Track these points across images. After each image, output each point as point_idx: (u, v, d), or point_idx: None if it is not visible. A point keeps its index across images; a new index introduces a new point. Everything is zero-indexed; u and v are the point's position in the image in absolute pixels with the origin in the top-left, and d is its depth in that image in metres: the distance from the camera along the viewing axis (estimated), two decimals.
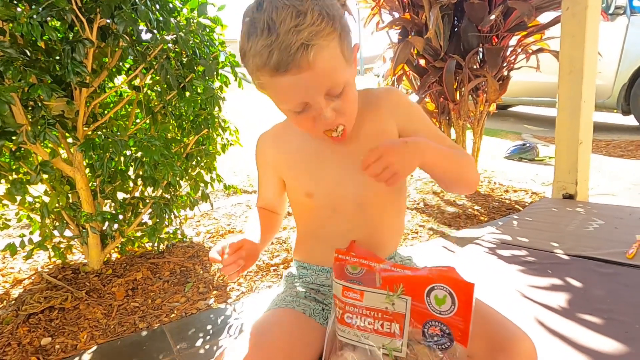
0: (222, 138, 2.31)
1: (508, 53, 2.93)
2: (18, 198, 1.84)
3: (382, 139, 0.88)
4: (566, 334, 1.33)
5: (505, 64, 2.95)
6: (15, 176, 1.79)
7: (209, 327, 1.53)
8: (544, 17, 2.82)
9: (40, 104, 1.56)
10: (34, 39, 1.58)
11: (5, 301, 1.75)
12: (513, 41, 2.95)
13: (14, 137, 1.53)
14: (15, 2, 1.52)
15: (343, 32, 0.73)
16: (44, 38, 1.60)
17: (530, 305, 1.52)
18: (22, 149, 1.72)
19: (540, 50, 2.97)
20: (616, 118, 5.82)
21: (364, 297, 0.70)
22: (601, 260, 1.81)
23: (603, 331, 1.33)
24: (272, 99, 0.78)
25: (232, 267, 0.73)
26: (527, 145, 4.74)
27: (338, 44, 0.72)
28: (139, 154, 1.82)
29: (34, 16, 1.39)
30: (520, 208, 2.79)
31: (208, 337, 1.46)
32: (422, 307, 0.67)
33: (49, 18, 1.50)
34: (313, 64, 0.68)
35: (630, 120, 5.40)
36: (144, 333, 1.51)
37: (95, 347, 1.44)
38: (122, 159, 1.88)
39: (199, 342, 1.43)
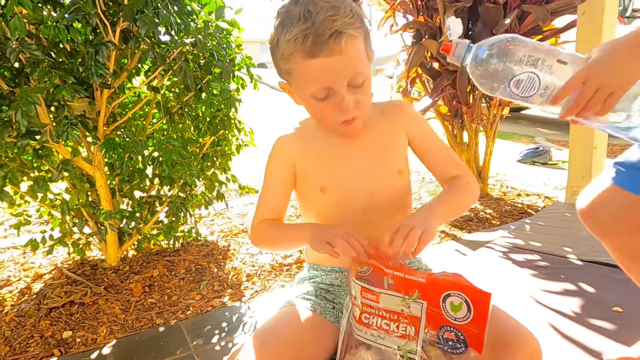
0: (237, 139, 2.35)
1: None
2: (40, 195, 1.89)
3: (391, 140, 0.96)
4: (579, 339, 1.34)
5: None
6: (37, 174, 1.84)
7: (224, 324, 1.56)
8: (560, 21, 2.81)
9: (63, 105, 1.61)
10: (57, 40, 1.63)
11: (27, 295, 1.80)
12: None
13: (37, 136, 1.58)
14: (41, 5, 1.57)
15: (367, 32, 0.81)
16: (68, 40, 1.65)
17: (542, 310, 1.52)
18: (45, 147, 1.77)
19: None
20: None
21: (380, 298, 0.72)
22: (614, 266, 1.80)
23: (616, 337, 1.33)
24: (299, 85, 0.83)
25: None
26: (540, 148, 4.71)
27: (363, 40, 0.80)
28: (156, 154, 1.86)
29: (61, 20, 1.43)
30: (533, 212, 2.78)
31: (223, 334, 1.49)
32: (437, 312, 0.68)
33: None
34: (344, 49, 0.75)
35: None
36: (161, 329, 1.55)
37: (114, 342, 1.48)
38: (140, 158, 1.92)
39: (214, 339, 1.47)
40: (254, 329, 1.52)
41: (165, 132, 2.07)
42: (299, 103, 0.89)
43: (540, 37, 2.83)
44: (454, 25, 0.82)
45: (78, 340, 1.50)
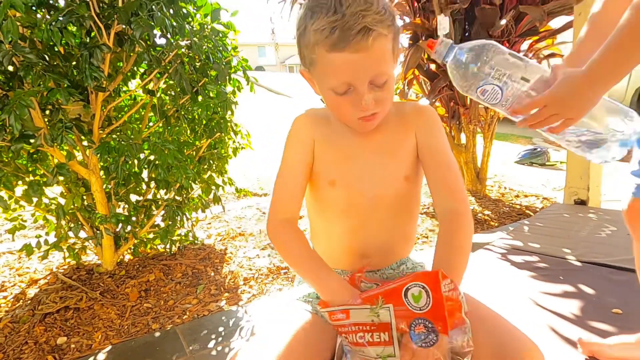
0: (234, 142, 2.34)
1: None
2: (34, 199, 1.88)
3: (399, 144, 0.92)
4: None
5: None
6: (32, 178, 1.83)
7: (220, 328, 1.54)
8: (556, 22, 2.81)
9: (58, 108, 1.60)
10: (51, 43, 1.62)
11: (21, 300, 1.78)
12: (524, 46, 2.94)
13: (32, 140, 1.57)
14: (34, 8, 1.56)
15: (396, 32, 0.79)
16: (62, 43, 1.64)
17: (541, 312, 1.51)
18: (40, 151, 1.76)
19: (552, 55, 2.96)
20: None
21: (350, 314, 0.74)
22: (614, 267, 1.79)
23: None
24: (319, 77, 0.81)
25: None
26: (538, 149, 4.71)
27: (391, 39, 0.77)
28: (152, 157, 1.84)
29: (54, 22, 1.42)
30: (531, 213, 2.78)
31: (220, 339, 1.48)
32: (404, 310, 0.69)
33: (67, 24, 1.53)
34: (371, 47, 0.73)
35: None
36: (157, 334, 1.53)
37: (109, 347, 1.46)
38: (136, 161, 1.91)
39: (211, 344, 1.45)
40: (251, 334, 1.50)
41: (160, 136, 2.05)
42: (318, 93, 0.87)
43: (536, 38, 2.84)
44: (442, 23, 0.85)
45: (73, 346, 1.48)
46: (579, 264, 1.88)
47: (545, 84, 0.79)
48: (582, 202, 2.75)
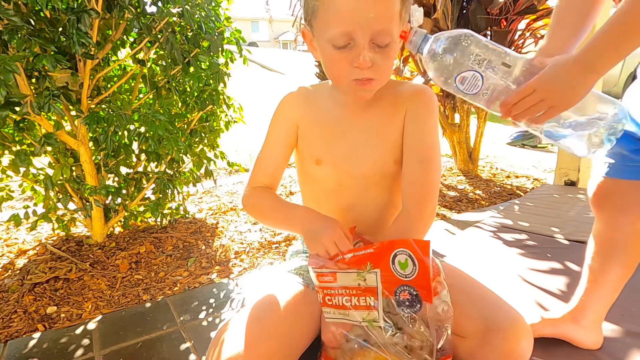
0: (226, 115, 2.30)
1: (516, 37, 2.90)
2: (22, 169, 1.84)
3: (389, 125, 0.89)
4: None
5: (512, 48, 2.91)
6: (19, 147, 1.79)
7: (211, 300, 1.55)
8: (554, 1, 2.77)
9: (44, 75, 1.55)
10: (38, 8, 1.56)
11: (10, 270, 1.77)
12: (522, 25, 2.91)
13: (17, 108, 1.53)
14: None
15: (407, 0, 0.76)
16: (48, 7, 1.58)
17: (529, 288, 1.54)
18: (26, 120, 1.72)
19: None
20: None
21: (337, 278, 0.74)
22: None
23: None
24: (320, 26, 0.78)
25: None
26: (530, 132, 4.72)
27: (400, 2, 0.75)
28: (142, 129, 1.81)
29: None
30: (522, 193, 2.80)
31: (211, 310, 1.48)
32: (390, 276, 0.70)
33: None
34: None
35: None
36: (148, 305, 1.54)
37: (100, 317, 1.46)
38: (126, 133, 1.87)
39: (202, 315, 1.46)
40: (242, 306, 1.51)
41: (151, 107, 2.01)
42: (317, 58, 0.84)
43: (534, 16, 2.80)
44: (415, 14, 0.81)
45: (63, 315, 1.48)
46: (566, 242, 1.91)
47: (528, 73, 0.76)
48: (572, 183, 2.78)
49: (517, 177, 3.28)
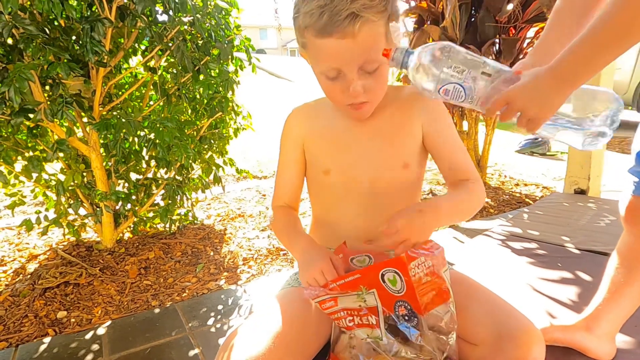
0: (235, 122, 2.32)
1: (525, 45, 2.89)
2: (34, 175, 1.87)
3: (398, 130, 0.91)
4: None
5: (521, 56, 2.91)
6: (32, 153, 1.82)
7: (219, 306, 1.55)
8: None
9: (58, 82, 1.58)
10: (52, 17, 1.60)
11: (21, 275, 1.79)
12: (531, 33, 2.90)
13: (31, 115, 1.55)
14: None
15: (392, 16, 0.77)
16: (63, 16, 1.61)
17: (539, 297, 1.52)
18: (40, 126, 1.74)
19: None
20: (631, 115, 5.73)
21: (338, 301, 0.75)
22: None
23: None
24: (311, 60, 0.82)
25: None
26: (539, 139, 4.69)
27: (384, 24, 0.76)
28: (152, 135, 1.83)
29: None
30: (531, 202, 2.78)
31: (219, 317, 1.49)
32: (386, 294, 0.71)
33: None
34: (357, 34, 0.72)
35: None
36: (157, 310, 1.54)
37: (109, 322, 1.47)
38: (135, 139, 1.90)
39: (210, 321, 1.46)
40: (250, 312, 1.51)
41: (159, 114, 2.04)
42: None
43: (543, 24, 2.80)
44: (395, 32, 0.82)
45: (73, 320, 1.49)
46: (577, 251, 1.89)
47: (507, 82, 0.76)
48: (582, 192, 2.75)
49: (526, 185, 3.26)
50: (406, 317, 0.70)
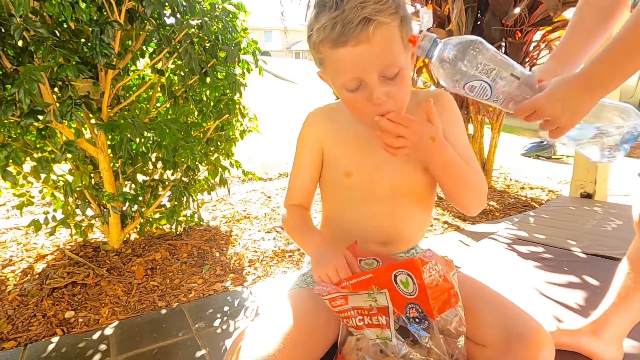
0: (241, 124, 2.33)
1: (531, 48, 2.89)
2: (43, 176, 1.88)
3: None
4: None
5: (527, 60, 2.91)
6: (40, 154, 1.83)
7: (226, 308, 1.56)
8: (571, 13, 2.76)
9: (67, 84, 1.59)
10: (62, 19, 1.61)
11: (29, 275, 1.80)
12: (537, 36, 2.90)
13: (41, 116, 1.57)
14: None
15: (405, 18, 0.76)
16: (73, 19, 1.63)
17: (545, 301, 1.52)
18: (48, 128, 1.76)
19: None
20: None
21: (349, 300, 0.75)
22: (619, 259, 1.79)
23: None
24: (330, 75, 0.81)
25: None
26: (545, 143, 4.68)
27: (398, 26, 0.75)
28: (157, 137, 1.84)
29: None
30: (537, 205, 2.77)
31: (225, 318, 1.49)
32: (397, 295, 0.71)
33: None
34: (372, 38, 0.72)
35: None
36: (163, 311, 1.55)
37: (116, 322, 1.48)
38: (142, 141, 1.91)
39: (216, 322, 1.47)
40: (256, 314, 1.52)
41: (164, 115, 2.05)
42: (336, 94, 0.87)
43: (550, 28, 2.80)
44: (424, 16, 0.82)
45: (80, 320, 1.50)
46: (583, 255, 1.88)
47: (531, 86, 0.76)
48: (589, 195, 2.74)
49: (531, 188, 3.25)
50: (417, 320, 0.70)
